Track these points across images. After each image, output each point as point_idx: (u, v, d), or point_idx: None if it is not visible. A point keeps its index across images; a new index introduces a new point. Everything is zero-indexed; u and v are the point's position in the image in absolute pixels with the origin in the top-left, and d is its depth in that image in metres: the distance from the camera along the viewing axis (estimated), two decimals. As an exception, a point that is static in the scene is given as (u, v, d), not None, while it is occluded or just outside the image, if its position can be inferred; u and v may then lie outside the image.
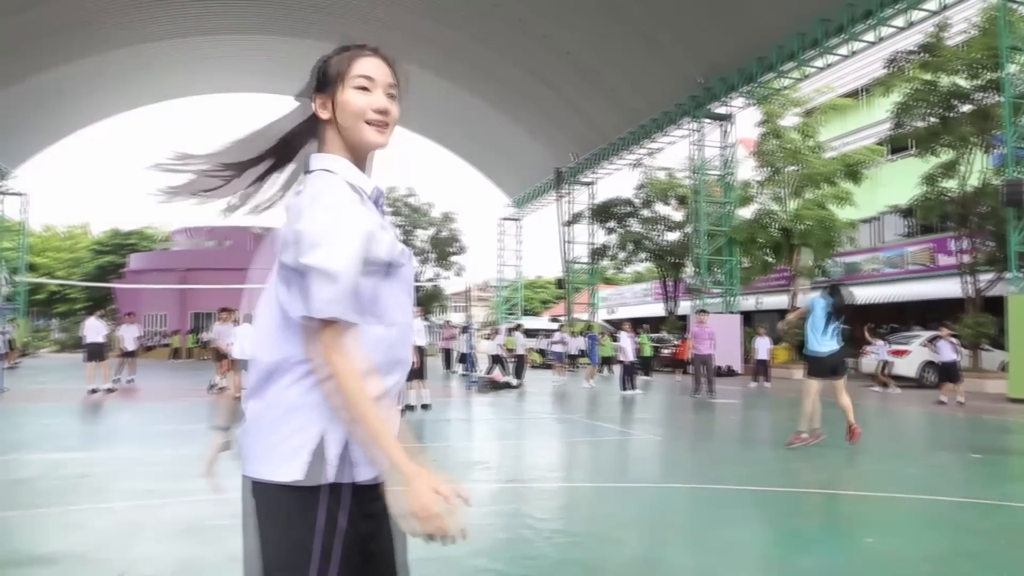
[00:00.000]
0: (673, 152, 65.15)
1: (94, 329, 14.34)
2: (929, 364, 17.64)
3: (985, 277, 18.76)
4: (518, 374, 18.29)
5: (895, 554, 4.16)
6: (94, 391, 13.70)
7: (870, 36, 18.78)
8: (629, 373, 15.55)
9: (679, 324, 28.43)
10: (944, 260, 23.16)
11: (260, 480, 1.39)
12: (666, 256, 32.33)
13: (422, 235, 42.41)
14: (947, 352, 13.56)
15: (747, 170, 28.18)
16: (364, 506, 1.40)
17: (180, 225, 43.64)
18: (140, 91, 34.09)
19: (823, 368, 7.99)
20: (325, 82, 1.50)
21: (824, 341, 7.86)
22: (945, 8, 17.24)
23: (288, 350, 1.39)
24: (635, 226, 32.87)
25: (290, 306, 1.38)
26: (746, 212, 26.28)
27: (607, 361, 22.53)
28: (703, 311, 15.96)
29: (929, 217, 21.40)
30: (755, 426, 11.26)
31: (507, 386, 16.88)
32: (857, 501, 5.68)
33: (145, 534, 4.45)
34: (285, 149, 1.53)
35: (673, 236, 32.34)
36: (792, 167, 24.02)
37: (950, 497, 5.64)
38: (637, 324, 22.09)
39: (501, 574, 3.77)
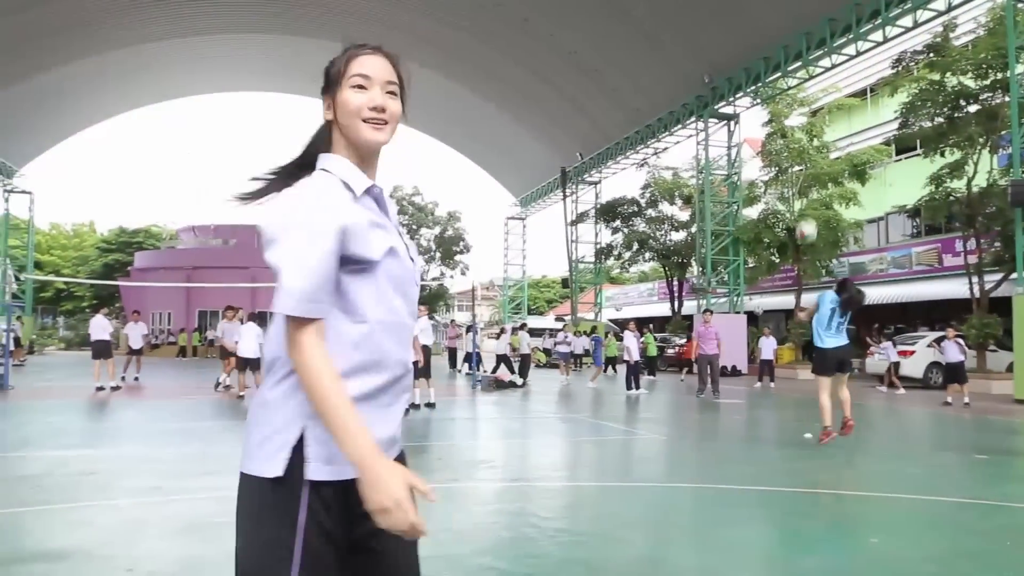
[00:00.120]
0: (679, 152, 65.14)
1: (100, 327, 14.39)
2: (935, 365, 17.60)
3: (992, 278, 18.67)
4: (523, 373, 18.30)
5: (898, 554, 4.16)
6: (101, 388, 13.75)
7: (877, 36, 18.69)
8: (634, 373, 15.55)
9: (684, 324, 28.42)
10: (950, 261, 23.07)
11: (245, 474, 1.39)
12: (671, 256, 32.32)
13: (427, 234, 42.46)
14: (953, 353, 13.49)
15: (753, 170, 28.17)
16: (361, 505, 1.38)
17: (186, 224, 43.84)
18: (140, 91, 34.20)
19: (830, 362, 8.01)
20: (328, 83, 1.52)
21: (830, 336, 7.88)
22: (952, 8, 17.16)
23: (280, 347, 1.40)
24: (640, 226, 32.87)
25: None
26: (752, 212, 26.25)
27: (611, 361, 22.53)
28: (708, 311, 15.94)
29: (936, 217, 21.37)
30: (760, 426, 11.24)
31: (512, 385, 16.91)
32: (861, 501, 5.67)
33: (150, 531, 4.47)
34: (308, 152, 1.56)
35: (678, 236, 32.35)
36: (798, 167, 24.00)
37: (953, 498, 5.63)
38: (642, 324, 22.06)
39: (505, 573, 3.76)
